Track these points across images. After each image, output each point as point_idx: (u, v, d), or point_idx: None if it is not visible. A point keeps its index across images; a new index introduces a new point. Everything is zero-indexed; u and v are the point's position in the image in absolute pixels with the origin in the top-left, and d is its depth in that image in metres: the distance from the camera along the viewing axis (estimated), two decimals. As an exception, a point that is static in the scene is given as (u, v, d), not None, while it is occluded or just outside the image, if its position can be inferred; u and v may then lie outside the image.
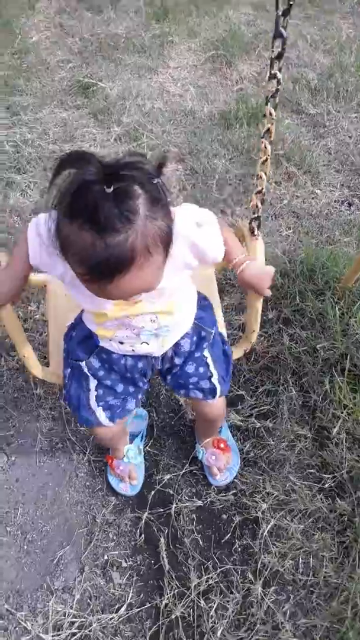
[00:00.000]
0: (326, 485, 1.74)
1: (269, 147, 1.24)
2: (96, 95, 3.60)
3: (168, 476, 1.85)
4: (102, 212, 0.87)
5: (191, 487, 1.83)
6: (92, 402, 1.43)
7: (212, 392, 1.49)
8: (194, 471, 1.86)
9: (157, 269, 1.02)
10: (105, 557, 1.70)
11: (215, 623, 1.54)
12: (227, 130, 3.17)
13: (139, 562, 1.69)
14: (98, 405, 1.43)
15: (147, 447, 1.91)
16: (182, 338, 1.43)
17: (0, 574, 1.66)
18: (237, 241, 1.37)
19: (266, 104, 1.18)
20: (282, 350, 2.06)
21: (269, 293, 1.36)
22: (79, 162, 0.89)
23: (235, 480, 1.81)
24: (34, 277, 1.44)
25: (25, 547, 1.72)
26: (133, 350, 1.36)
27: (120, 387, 1.45)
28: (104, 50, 4.08)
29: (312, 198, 2.77)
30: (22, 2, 4.71)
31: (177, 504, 1.78)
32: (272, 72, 1.12)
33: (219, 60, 3.85)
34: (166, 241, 0.99)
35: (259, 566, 1.63)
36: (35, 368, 1.56)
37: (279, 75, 1.12)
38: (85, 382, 1.43)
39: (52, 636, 1.54)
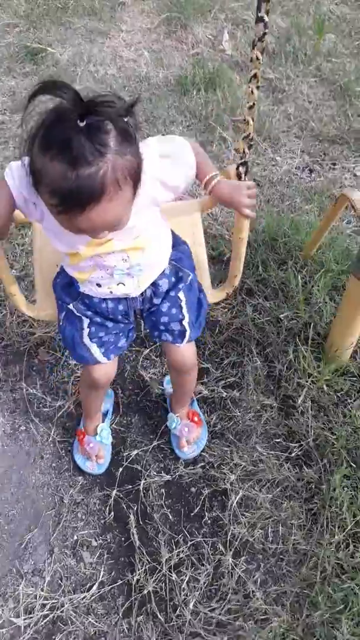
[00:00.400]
0: (293, 454, 1.75)
1: (255, 92, 1.26)
2: (45, 62, 3.45)
3: (135, 452, 1.83)
4: (75, 145, 0.92)
5: (159, 462, 1.82)
6: (86, 339, 1.46)
7: (181, 335, 1.51)
8: (162, 446, 1.85)
9: (126, 204, 1.07)
10: (75, 537, 1.68)
11: (187, 595, 1.55)
12: (183, 96, 3.09)
13: (109, 540, 1.68)
14: (92, 341, 1.47)
15: (113, 425, 1.89)
16: (160, 278, 1.46)
17: (-33, 561, 1.63)
18: (208, 160, 1.37)
19: (253, 48, 1.18)
20: (245, 321, 2.04)
21: (250, 213, 1.36)
22: (58, 90, 0.93)
23: (203, 453, 1.81)
24: (20, 215, 1.42)
25: (-8, 532, 1.68)
26: (111, 292, 1.39)
27: (110, 324, 1.49)
28: (52, 14, 3.89)
29: (273, 165, 2.73)
30: None
31: (145, 479, 1.77)
32: (260, 15, 1.14)
33: (173, 23, 3.72)
34: (135, 177, 1.04)
35: (229, 537, 1.63)
36: (23, 305, 1.59)
37: (266, 19, 1.14)
38: (78, 322, 1.47)
39: (24, 619, 1.52)
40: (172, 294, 1.49)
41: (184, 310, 1.50)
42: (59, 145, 0.94)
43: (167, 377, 1.91)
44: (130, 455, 1.82)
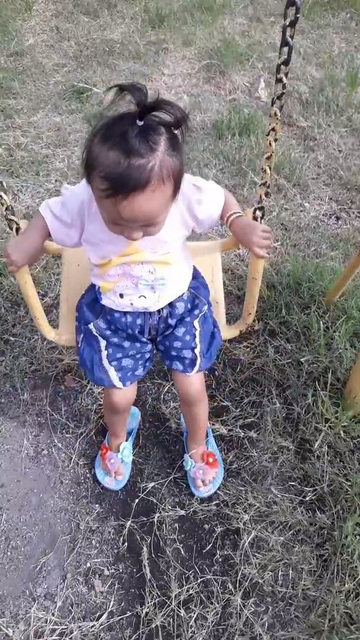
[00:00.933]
0: (307, 498, 1.77)
1: (273, 144, 1.35)
2: (90, 101, 3.63)
3: (152, 484, 1.87)
4: (130, 138, 1.07)
5: (174, 496, 1.85)
6: (104, 361, 1.54)
7: (192, 364, 1.57)
8: (178, 480, 1.89)
9: (165, 201, 1.19)
10: (88, 565, 1.72)
11: (194, 633, 1.57)
12: (218, 140, 3.21)
13: (121, 570, 1.71)
14: (110, 364, 1.54)
15: (135, 456, 1.93)
16: (178, 301, 1.55)
17: (-18, 580, 1.67)
18: (234, 201, 1.51)
19: (272, 105, 1.29)
20: (267, 362, 2.09)
21: (262, 252, 1.44)
22: (132, 89, 1.09)
23: (218, 491, 1.84)
24: (51, 245, 1.59)
25: (9, 553, 1.73)
26: (131, 303, 1.48)
27: (127, 344, 1.56)
28: (99, 55, 4.10)
29: (301, 211, 2.81)
30: (18, 5, 4.73)
31: (160, 512, 1.80)
32: (279, 76, 1.25)
33: (212, 69, 3.89)
34: (176, 179, 1.18)
35: (239, 577, 1.65)
36: (45, 328, 1.67)
37: (285, 80, 1.25)
38: (96, 343, 1.55)
39: (33, 643, 1.56)
40: (187, 319, 1.57)
41: (197, 339, 1.57)
42: (117, 137, 1.08)
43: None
44: (147, 487, 1.86)
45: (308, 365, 2.02)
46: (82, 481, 1.90)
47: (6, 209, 1.45)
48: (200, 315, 1.59)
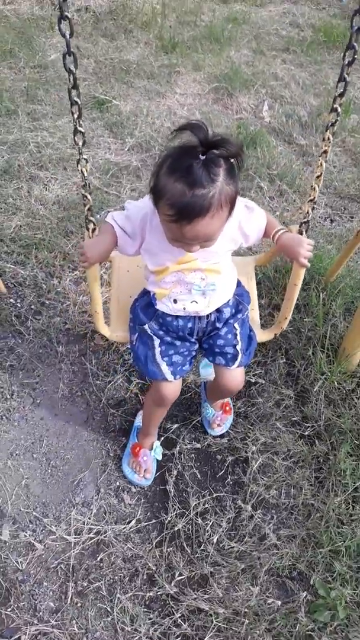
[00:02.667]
0: (306, 433, 2.09)
1: (324, 164, 1.56)
2: (110, 111, 4.00)
3: (173, 425, 2.15)
4: (195, 171, 1.23)
5: (191, 434, 2.15)
6: (158, 357, 1.69)
7: (233, 358, 1.73)
8: (195, 422, 2.18)
9: (222, 223, 1.37)
10: (118, 483, 1.99)
11: (211, 535, 1.85)
12: (227, 150, 3.59)
13: (146, 489, 1.99)
14: (162, 359, 1.68)
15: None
16: (224, 307, 1.70)
17: (28, 489, 1.94)
18: (275, 221, 1.70)
19: (326, 131, 1.52)
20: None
21: (306, 263, 1.63)
22: (196, 129, 1.25)
23: (229, 429, 2.14)
24: None
25: (49, 470, 2.00)
26: (184, 308, 1.63)
27: (178, 343, 1.71)
28: (116, 73, 4.51)
29: (300, 213, 3.19)
30: (42, 24, 5.13)
31: (179, 446, 2.09)
32: (334, 106, 1.48)
33: (220, 91, 4.32)
34: (231, 204, 1.35)
35: (247, 494, 1.95)
36: (101, 324, 1.81)
37: (339, 110, 1.48)
38: (150, 341, 1.70)
39: (74, 538, 1.82)
40: (230, 321, 1.73)
41: (238, 338, 1.73)
42: (183, 170, 1.24)
43: (203, 361, 2.24)
44: (169, 427, 2.15)
45: (307, 331, 2.36)
46: (110, 419, 2.18)
47: (88, 209, 1.60)
48: (240, 318, 1.75)
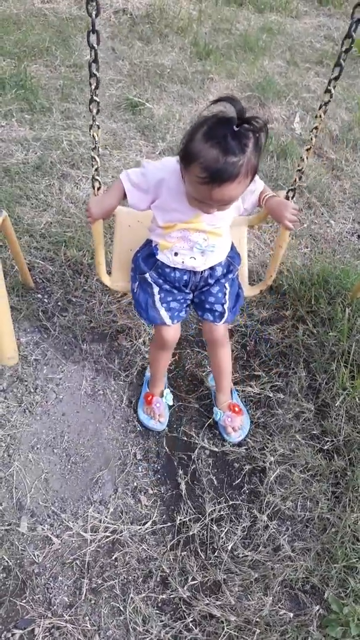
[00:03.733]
0: (325, 447, 2.09)
1: (314, 139, 1.72)
2: (143, 113, 4.03)
3: (190, 428, 2.18)
4: (229, 140, 1.37)
5: (209, 439, 2.16)
6: (157, 302, 1.88)
7: (220, 316, 1.92)
8: (211, 426, 2.20)
9: (243, 189, 1.51)
10: (135, 484, 2.01)
11: (225, 542, 1.86)
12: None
13: (162, 492, 2.01)
14: (162, 305, 1.88)
15: (174, 408, 2.24)
16: (217, 265, 1.88)
17: (47, 484, 1.96)
18: (267, 187, 1.87)
19: (319, 110, 1.65)
20: (295, 341, 2.44)
21: (290, 225, 1.80)
22: (234, 101, 1.39)
23: (247, 439, 2.15)
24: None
25: (69, 466, 2.02)
26: (183, 262, 1.81)
27: (175, 291, 1.90)
28: (150, 77, 4.54)
29: (327, 226, 3.20)
30: (79, 24, 5.19)
31: (196, 450, 2.11)
32: (328, 88, 1.66)
33: (253, 100, 4.34)
34: (254, 173, 1.49)
35: (263, 505, 1.96)
36: (103, 274, 2.02)
37: (333, 91, 1.66)
38: (149, 288, 1.89)
39: (90, 535, 1.84)
40: (222, 281, 1.91)
41: (227, 297, 1.92)
42: (218, 137, 1.38)
43: (211, 375, 2.28)
44: (186, 431, 2.17)
45: (331, 346, 2.36)
46: (131, 419, 2.20)
47: (95, 169, 1.75)
48: (231, 278, 1.94)
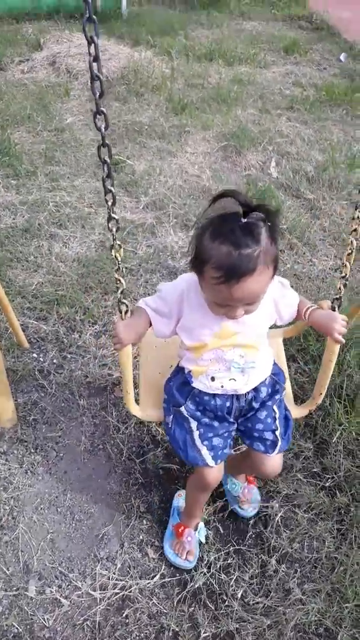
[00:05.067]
0: (327, 484, 2.11)
1: (354, 242, 1.58)
2: (124, 170, 4.19)
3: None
4: (238, 233, 1.27)
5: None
6: (197, 441, 1.63)
7: (273, 445, 1.67)
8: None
9: (267, 281, 1.38)
10: (141, 537, 2.01)
11: (235, 590, 1.85)
12: (238, 206, 3.74)
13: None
14: (202, 444, 1.63)
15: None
16: (262, 386, 1.68)
17: (53, 544, 1.96)
18: (305, 299, 1.70)
19: (355, 210, 1.56)
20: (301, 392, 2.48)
21: (341, 339, 1.61)
22: (236, 193, 1.33)
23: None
24: None
25: (74, 524, 2.02)
26: (222, 386, 1.61)
27: (216, 424, 1.66)
28: (129, 134, 4.74)
29: (310, 265, 3.30)
30: (58, 90, 5.44)
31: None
32: None
33: (229, 149, 4.52)
34: (274, 263, 1.37)
35: (270, 548, 1.96)
36: (132, 404, 1.79)
37: None
38: (186, 424, 1.66)
39: (99, 593, 1.83)
40: (269, 403, 1.68)
41: (277, 422, 1.68)
42: (226, 233, 1.28)
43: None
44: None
45: (323, 382, 2.40)
46: (132, 472, 2.21)
47: (121, 292, 1.56)
48: (278, 399, 1.71)
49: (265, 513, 2.07)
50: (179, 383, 1.70)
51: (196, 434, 1.64)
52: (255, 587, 1.87)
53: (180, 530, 1.94)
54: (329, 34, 7.54)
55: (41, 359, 2.61)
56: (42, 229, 3.43)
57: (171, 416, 1.71)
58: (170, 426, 1.71)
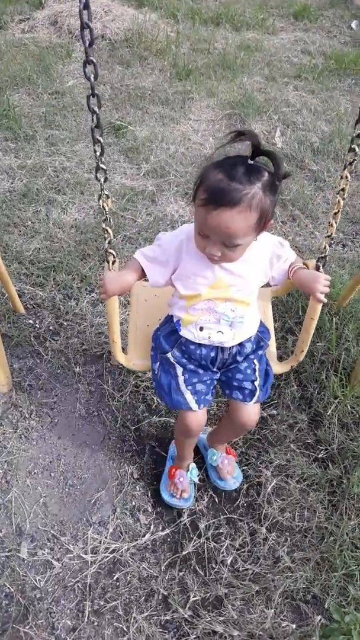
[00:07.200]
0: (320, 456, 2.12)
1: (341, 202, 1.60)
2: (126, 136, 4.10)
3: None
4: (238, 169, 1.32)
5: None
6: (182, 386, 1.68)
7: (251, 394, 1.72)
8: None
9: (247, 227, 1.38)
10: (133, 503, 2.02)
11: (225, 557, 1.87)
12: (241, 175, 3.67)
13: (159, 510, 2.02)
14: (187, 388, 1.68)
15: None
16: (247, 341, 1.71)
17: (46, 507, 1.97)
18: (298, 258, 1.70)
19: (344, 169, 1.56)
20: (286, 352, 2.46)
21: (322, 298, 1.63)
22: (252, 134, 1.37)
23: (242, 452, 2.17)
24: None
25: (67, 489, 2.04)
26: (209, 337, 1.64)
27: (200, 371, 1.71)
28: (132, 99, 4.62)
29: (312, 238, 3.25)
30: (59, 51, 5.29)
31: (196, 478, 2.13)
32: (352, 146, 1.51)
33: (234, 118, 4.42)
34: (262, 213, 1.37)
35: (262, 517, 1.97)
36: (119, 353, 1.81)
37: (357, 150, 1.51)
38: (172, 370, 1.70)
39: (91, 556, 1.85)
40: (251, 357, 1.73)
41: (257, 374, 1.72)
42: (228, 165, 1.34)
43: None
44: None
45: (320, 355, 2.40)
46: (126, 439, 2.22)
47: (108, 242, 1.62)
48: (260, 354, 1.76)
49: (257, 481, 2.08)
50: (167, 332, 1.75)
51: (181, 379, 1.69)
52: (245, 554, 1.89)
53: (172, 472, 2.02)
54: (341, 0, 7.31)
55: (37, 326, 2.59)
56: (40, 194, 3.37)
57: (157, 363, 1.76)
58: (156, 372, 1.76)
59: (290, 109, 4.58)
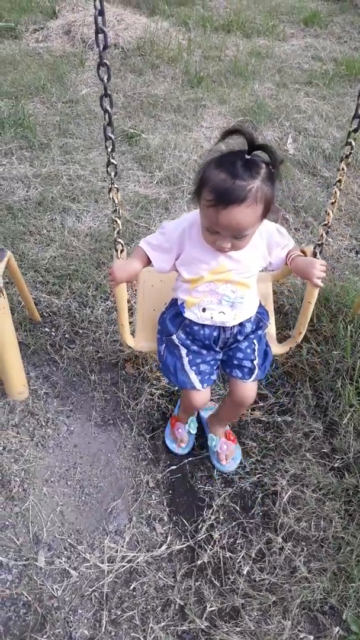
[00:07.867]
0: (336, 465, 2.11)
1: (338, 192, 1.68)
2: (139, 144, 4.13)
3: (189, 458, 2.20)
4: (238, 166, 1.38)
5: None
6: (187, 366, 1.80)
7: (250, 372, 1.82)
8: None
9: (255, 219, 1.46)
10: (149, 512, 2.03)
11: (241, 567, 1.87)
12: (253, 183, 3.68)
13: (175, 520, 2.02)
14: (191, 369, 1.79)
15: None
16: (247, 321, 1.80)
17: (63, 516, 1.98)
18: (297, 247, 1.78)
19: (340, 161, 1.65)
20: (300, 360, 2.46)
21: (319, 283, 1.68)
22: (245, 130, 1.42)
23: (257, 462, 2.17)
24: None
25: (84, 497, 2.05)
26: (212, 317, 1.73)
27: (204, 352, 1.81)
28: (144, 107, 4.66)
29: (325, 245, 3.24)
30: (73, 60, 5.34)
31: (209, 485, 2.13)
32: (349, 140, 1.61)
33: (246, 124, 4.43)
34: (266, 204, 1.45)
35: (277, 526, 1.97)
36: (127, 335, 1.91)
37: (353, 143, 1.60)
38: (177, 351, 1.81)
39: (107, 566, 1.86)
40: (251, 337, 1.83)
41: (256, 353, 1.83)
42: (228, 164, 1.39)
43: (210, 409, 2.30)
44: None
45: (336, 363, 2.39)
46: (142, 447, 2.23)
47: (117, 232, 1.69)
48: (260, 334, 1.86)
49: (273, 490, 2.07)
50: (172, 315, 1.84)
51: (186, 360, 1.81)
52: (261, 564, 1.89)
53: (173, 422, 2.23)
54: (351, 6, 7.32)
55: (53, 334, 2.61)
56: (55, 202, 3.40)
57: (163, 345, 1.87)
58: (162, 354, 1.87)
59: (302, 115, 4.59)
